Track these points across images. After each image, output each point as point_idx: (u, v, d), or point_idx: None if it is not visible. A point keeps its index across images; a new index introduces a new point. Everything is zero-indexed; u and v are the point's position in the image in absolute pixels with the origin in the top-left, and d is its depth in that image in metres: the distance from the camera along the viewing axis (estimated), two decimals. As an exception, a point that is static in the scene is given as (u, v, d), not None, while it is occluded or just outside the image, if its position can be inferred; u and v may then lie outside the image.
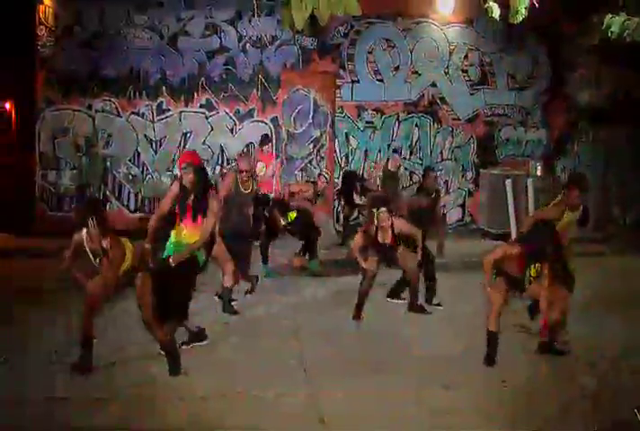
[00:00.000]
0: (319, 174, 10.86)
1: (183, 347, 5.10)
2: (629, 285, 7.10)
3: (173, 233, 4.96)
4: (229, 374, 4.74)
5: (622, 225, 11.39)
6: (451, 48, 11.07)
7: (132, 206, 10.54)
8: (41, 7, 10.11)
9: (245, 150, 10.41)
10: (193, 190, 4.87)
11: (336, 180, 10.67)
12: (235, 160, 9.51)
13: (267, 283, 7.23)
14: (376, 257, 6.13)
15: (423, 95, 11.06)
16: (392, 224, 5.94)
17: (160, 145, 10.51)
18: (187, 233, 4.89)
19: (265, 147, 9.36)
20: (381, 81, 10.94)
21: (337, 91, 10.83)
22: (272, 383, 4.55)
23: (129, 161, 10.49)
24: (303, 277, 7.68)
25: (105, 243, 4.65)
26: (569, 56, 11.06)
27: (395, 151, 10.31)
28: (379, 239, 6.00)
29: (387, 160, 9.96)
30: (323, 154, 10.85)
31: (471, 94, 11.21)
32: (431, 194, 7.20)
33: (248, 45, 10.54)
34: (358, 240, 6.11)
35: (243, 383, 4.55)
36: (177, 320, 4.90)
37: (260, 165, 8.52)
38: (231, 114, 10.60)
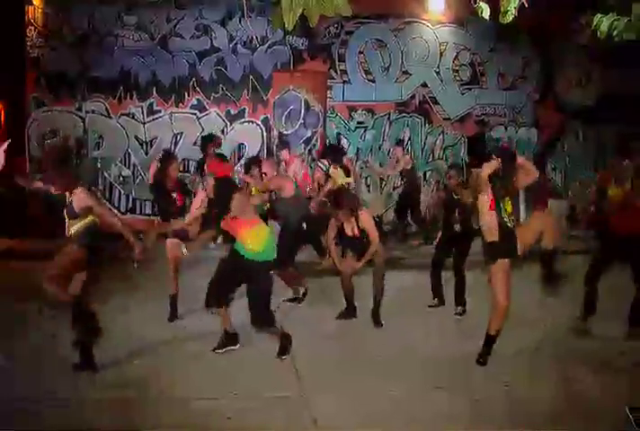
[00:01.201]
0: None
1: (217, 351, 5.17)
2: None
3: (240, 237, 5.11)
4: (226, 375, 4.73)
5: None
6: (442, 47, 11.10)
7: (123, 208, 10.51)
8: (30, 8, 10.07)
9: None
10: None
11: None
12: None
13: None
14: (351, 253, 6.04)
15: (414, 95, 11.09)
16: (357, 217, 5.83)
17: (151, 146, 10.48)
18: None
19: (280, 153, 9.20)
20: (372, 81, 10.96)
21: (328, 91, 10.84)
22: (266, 385, 4.54)
23: (120, 162, 10.46)
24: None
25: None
26: (559, 55, 11.12)
27: (397, 143, 10.47)
28: (348, 231, 5.95)
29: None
30: (314, 155, 10.84)
31: (462, 94, 11.24)
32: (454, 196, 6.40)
33: (239, 45, 10.53)
34: (330, 232, 6.06)
35: (239, 385, 4.54)
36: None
37: (291, 168, 8.49)
38: (222, 115, 10.59)
